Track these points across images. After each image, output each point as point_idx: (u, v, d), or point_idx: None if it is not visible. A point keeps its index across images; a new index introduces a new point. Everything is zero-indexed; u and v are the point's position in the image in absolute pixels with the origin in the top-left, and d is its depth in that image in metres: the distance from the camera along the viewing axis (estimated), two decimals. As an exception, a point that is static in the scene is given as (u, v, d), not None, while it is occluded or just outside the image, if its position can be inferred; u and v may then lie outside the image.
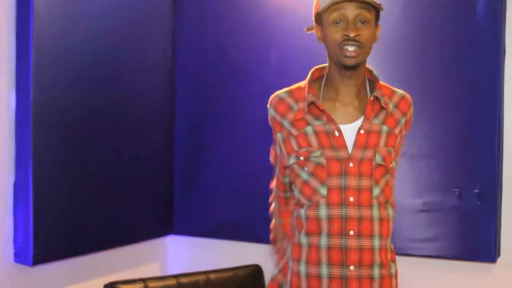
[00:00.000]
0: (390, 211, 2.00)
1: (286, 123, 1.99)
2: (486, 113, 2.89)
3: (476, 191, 2.89)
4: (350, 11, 1.85)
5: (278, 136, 2.03)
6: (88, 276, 3.19)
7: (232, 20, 3.43)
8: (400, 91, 2.05)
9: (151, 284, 3.00)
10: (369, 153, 1.91)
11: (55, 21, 2.87)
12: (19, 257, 2.83)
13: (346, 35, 1.85)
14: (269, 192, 2.32)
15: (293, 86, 2.05)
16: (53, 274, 3.00)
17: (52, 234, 2.88)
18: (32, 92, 2.76)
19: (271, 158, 2.14)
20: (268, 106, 2.07)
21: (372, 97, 1.94)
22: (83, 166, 3.03)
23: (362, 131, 1.92)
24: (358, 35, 1.85)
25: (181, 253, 3.71)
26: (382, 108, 1.95)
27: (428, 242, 2.99)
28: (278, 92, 2.05)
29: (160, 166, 3.55)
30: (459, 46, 2.95)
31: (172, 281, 3.06)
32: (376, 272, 1.94)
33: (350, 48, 1.86)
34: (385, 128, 1.95)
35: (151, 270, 3.58)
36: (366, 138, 1.92)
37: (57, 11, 2.87)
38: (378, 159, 1.91)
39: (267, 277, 3.19)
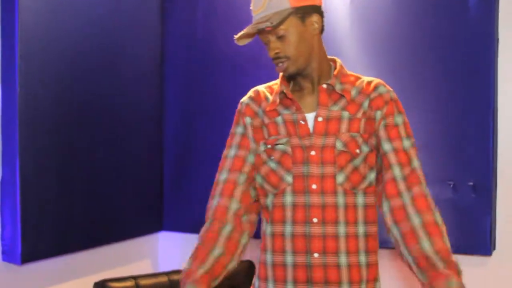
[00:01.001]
0: (360, 198, 1.96)
1: (260, 112, 2.04)
2: (480, 105, 2.88)
3: (471, 183, 2.88)
4: (262, 36, 1.94)
5: (247, 121, 2.07)
6: (78, 274, 3.17)
7: (223, 13, 3.41)
8: (368, 78, 2.05)
9: (142, 281, 2.97)
10: (330, 140, 1.93)
11: (41, 17, 2.84)
12: (7, 256, 2.81)
13: (271, 56, 1.95)
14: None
15: (269, 83, 2.12)
16: (42, 273, 2.97)
17: (41, 232, 2.85)
18: (18, 88, 2.73)
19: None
20: (243, 98, 2.11)
21: (325, 85, 1.98)
22: (71, 163, 3.01)
23: (320, 119, 1.94)
24: (276, 53, 1.92)
25: (172, 249, 3.69)
26: (341, 95, 1.97)
27: (423, 236, 2.97)
28: (257, 87, 2.13)
29: (150, 162, 3.54)
30: (452, 39, 2.94)
31: (164, 278, 3.03)
32: (343, 260, 1.92)
33: (279, 64, 1.95)
34: (346, 114, 1.95)
35: (142, 267, 3.57)
36: (325, 125, 1.94)
37: (43, 7, 2.85)
38: (338, 145, 1.92)
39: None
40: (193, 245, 3.57)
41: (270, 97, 2.04)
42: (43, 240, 2.87)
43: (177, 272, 3.09)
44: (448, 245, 1.93)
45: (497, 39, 2.90)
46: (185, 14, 3.52)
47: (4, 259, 2.82)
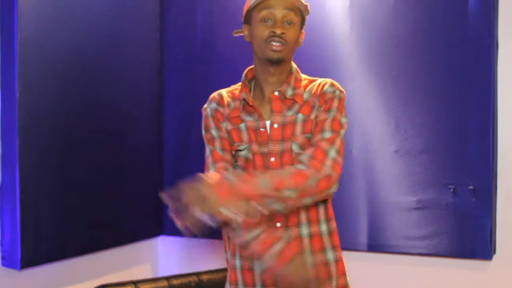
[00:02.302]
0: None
1: (225, 117, 2.08)
2: (480, 109, 2.88)
3: (471, 187, 2.88)
4: (278, 11, 1.97)
5: (223, 126, 2.08)
6: (77, 279, 3.16)
7: (222, 17, 3.41)
8: (321, 79, 2.08)
9: (142, 286, 2.97)
10: (287, 145, 1.99)
11: (40, 21, 2.83)
12: (6, 261, 2.80)
13: (273, 32, 1.96)
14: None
15: (230, 87, 2.16)
16: (41, 278, 2.96)
17: (40, 237, 2.84)
18: (17, 93, 2.73)
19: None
20: (207, 104, 2.14)
21: (277, 92, 2.02)
22: (70, 168, 3.00)
23: (275, 125, 2.00)
24: (283, 33, 1.96)
25: (172, 254, 3.69)
26: (294, 100, 2.02)
27: (423, 240, 2.97)
28: (218, 91, 2.16)
29: (150, 166, 3.53)
30: (452, 42, 2.94)
31: (164, 283, 3.03)
32: (309, 258, 1.96)
33: (276, 43, 1.97)
34: (300, 116, 2.01)
35: (142, 271, 3.56)
36: (281, 131, 1.99)
37: (42, 10, 2.84)
38: (294, 148, 1.98)
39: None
40: (192, 249, 3.58)
41: (232, 103, 2.07)
42: (43, 245, 2.86)
43: (177, 276, 3.09)
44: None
45: (497, 43, 2.90)
46: (185, 16, 3.52)
47: (3, 264, 2.81)
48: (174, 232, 3.59)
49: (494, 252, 2.91)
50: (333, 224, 2.06)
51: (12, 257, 2.77)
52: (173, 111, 3.57)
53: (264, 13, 1.97)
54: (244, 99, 2.04)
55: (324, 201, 2.03)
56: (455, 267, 2.98)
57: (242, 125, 2.03)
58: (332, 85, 2.03)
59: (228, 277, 2.12)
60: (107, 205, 3.22)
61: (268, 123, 2.01)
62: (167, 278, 3.07)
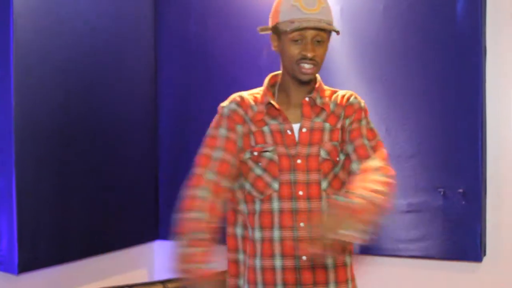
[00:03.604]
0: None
1: (247, 119, 2.09)
2: (469, 113, 2.91)
3: (461, 190, 2.91)
4: (309, 31, 1.97)
5: (239, 128, 2.09)
6: (74, 283, 3.17)
7: (216, 21, 3.44)
8: (342, 91, 2.14)
9: (138, 290, 2.99)
10: (314, 149, 2.03)
11: (36, 28, 2.86)
12: (4, 266, 2.82)
13: (304, 54, 1.97)
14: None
15: (251, 91, 2.17)
16: (39, 282, 2.98)
17: (37, 242, 2.86)
18: (13, 99, 2.75)
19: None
20: (227, 103, 2.13)
21: (308, 98, 2.06)
22: (67, 172, 3.02)
23: (304, 130, 2.04)
24: (314, 55, 1.97)
25: (168, 258, 3.69)
26: (322, 108, 2.07)
27: (414, 243, 3.00)
28: (239, 93, 2.17)
29: (145, 171, 3.55)
30: (441, 48, 2.97)
31: (159, 287, 3.04)
32: (330, 261, 2.01)
33: (307, 66, 1.98)
34: (327, 125, 2.05)
35: (138, 276, 3.57)
36: (309, 136, 2.04)
37: (37, 18, 2.87)
38: (323, 154, 2.02)
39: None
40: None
41: (255, 106, 2.09)
42: (40, 250, 2.88)
43: (172, 280, 3.10)
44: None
45: (485, 48, 2.93)
46: (179, 20, 3.53)
47: (0, 269, 2.82)
48: (170, 236, 3.63)
49: (484, 254, 2.94)
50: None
51: (10, 262, 2.79)
52: (168, 116, 3.59)
53: (295, 34, 1.97)
54: (269, 103, 2.06)
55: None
56: (445, 269, 3.01)
57: (266, 128, 2.06)
58: (355, 97, 2.10)
59: (246, 279, 2.09)
60: (104, 210, 3.24)
61: (295, 126, 2.05)
62: (163, 282, 3.08)
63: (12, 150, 2.75)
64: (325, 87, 2.13)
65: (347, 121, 2.06)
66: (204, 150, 2.12)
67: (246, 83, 3.27)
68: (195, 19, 3.49)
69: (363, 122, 2.08)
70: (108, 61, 3.26)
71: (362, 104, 2.10)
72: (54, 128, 2.96)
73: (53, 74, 2.95)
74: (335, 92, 2.13)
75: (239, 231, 2.12)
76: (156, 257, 3.70)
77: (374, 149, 2.04)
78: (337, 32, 1.99)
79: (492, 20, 2.94)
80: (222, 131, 2.08)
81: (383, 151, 2.06)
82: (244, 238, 2.11)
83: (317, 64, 1.99)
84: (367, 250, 3.08)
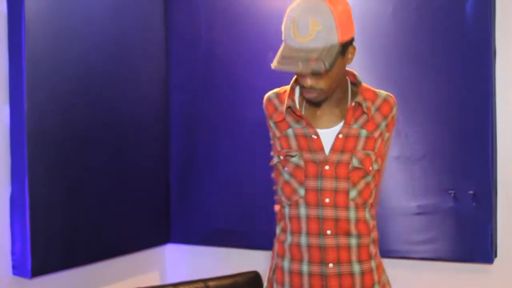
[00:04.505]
0: (368, 213, 2.04)
1: (272, 124, 2.07)
2: (479, 114, 2.91)
3: (471, 192, 2.91)
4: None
5: (271, 134, 2.10)
6: (87, 287, 3.19)
7: (225, 25, 3.45)
8: (384, 93, 2.06)
9: (149, 293, 3.00)
10: (346, 157, 1.96)
11: (47, 34, 2.88)
12: (17, 270, 2.84)
13: (302, 84, 1.91)
14: (266, 197, 2.32)
15: (282, 88, 2.10)
16: (52, 286, 3.00)
17: (50, 246, 2.88)
18: (26, 105, 2.77)
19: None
20: (263, 103, 2.13)
21: (354, 103, 1.98)
22: (79, 177, 3.04)
23: (340, 136, 1.97)
24: (312, 85, 1.88)
25: (180, 261, 3.71)
26: (363, 113, 1.99)
27: (425, 245, 3.00)
28: (269, 93, 2.12)
29: (157, 175, 3.56)
30: (450, 49, 2.97)
31: (171, 290, 3.06)
32: (356, 268, 2.00)
33: (309, 94, 1.92)
34: (364, 132, 1.98)
35: (150, 279, 3.58)
36: (343, 142, 1.97)
37: (48, 23, 2.89)
38: (355, 162, 1.96)
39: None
40: (200, 257, 3.61)
41: (280, 106, 2.04)
42: (53, 254, 2.90)
43: (184, 283, 3.12)
44: None
45: (494, 50, 2.93)
46: (188, 26, 3.54)
47: (14, 273, 2.84)
48: (181, 240, 3.65)
49: (495, 256, 2.94)
50: (376, 235, 2.13)
51: (23, 266, 2.81)
52: (179, 120, 3.60)
53: None
54: (289, 107, 2.00)
55: (372, 218, 2.08)
56: (456, 271, 3.01)
57: (290, 131, 2.01)
58: (395, 104, 2.04)
59: (275, 278, 2.11)
60: (116, 214, 3.26)
61: (322, 131, 1.97)
62: (174, 285, 3.09)
63: (25, 157, 2.77)
64: (364, 85, 2.04)
65: (387, 135, 2.02)
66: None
67: (256, 86, 3.31)
68: (204, 23, 3.50)
69: (387, 135, 2.04)
70: (119, 65, 3.28)
71: (396, 111, 2.05)
72: (66, 133, 2.97)
73: (64, 80, 2.96)
74: (376, 93, 2.04)
75: (277, 231, 2.12)
76: (168, 260, 3.72)
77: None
78: (325, 69, 1.77)
79: (502, 22, 2.94)
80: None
81: (378, 187, 2.04)
82: (277, 239, 2.10)
83: (321, 90, 1.89)
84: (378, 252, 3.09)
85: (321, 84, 1.88)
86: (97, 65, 3.15)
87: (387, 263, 3.14)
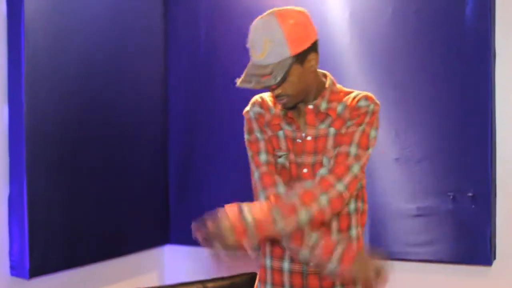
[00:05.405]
0: (352, 205, 2.05)
1: (266, 123, 2.08)
2: (478, 116, 2.91)
3: (470, 194, 2.91)
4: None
5: (266, 130, 2.10)
6: (85, 287, 3.18)
7: (224, 24, 3.45)
8: (357, 92, 2.06)
9: (148, 294, 3.00)
10: (319, 158, 2.01)
11: (46, 34, 2.89)
12: (15, 270, 2.84)
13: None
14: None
15: (256, 97, 2.15)
16: (50, 287, 3.00)
17: (48, 246, 2.89)
18: (24, 105, 2.78)
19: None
20: (250, 107, 2.13)
21: (311, 106, 2.02)
22: (77, 178, 3.05)
23: (308, 138, 2.02)
24: (278, 94, 1.95)
25: (179, 262, 3.71)
26: (327, 114, 2.02)
27: (424, 247, 3.00)
28: (260, 94, 2.15)
29: (156, 175, 3.56)
30: (450, 51, 2.97)
31: (169, 291, 3.06)
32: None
33: (279, 100, 1.98)
34: (332, 130, 2.01)
35: (148, 280, 3.58)
36: (314, 144, 2.01)
37: (48, 24, 2.90)
38: (325, 162, 1.99)
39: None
40: (199, 258, 3.61)
41: (273, 109, 2.07)
42: (51, 254, 2.91)
43: (182, 284, 3.11)
44: None
45: (494, 51, 2.93)
46: (188, 25, 3.55)
47: (12, 274, 2.85)
48: (181, 240, 3.65)
49: (494, 258, 2.94)
50: (361, 230, 2.10)
51: (21, 267, 2.82)
52: (178, 120, 3.60)
53: None
54: (283, 110, 2.05)
55: (356, 210, 2.06)
56: (455, 273, 3.00)
57: (281, 133, 2.05)
58: (366, 98, 2.01)
59: (258, 275, 2.17)
60: (114, 215, 3.26)
61: (304, 135, 2.03)
62: (173, 287, 3.09)
63: (23, 157, 2.78)
64: (339, 87, 2.07)
65: (349, 123, 1.99)
66: (249, 155, 2.12)
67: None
68: (204, 22, 3.51)
69: (362, 127, 1.99)
70: (118, 65, 3.28)
71: (371, 107, 2.00)
72: (65, 134, 2.98)
73: (63, 80, 2.97)
74: (348, 93, 2.05)
75: None
76: (167, 262, 3.72)
77: (356, 158, 1.96)
78: (275, 83, 1.88)
79: (502, 24, 2.94)
80: (258, 135, 2.09)
81: (355, 167, 1.95)
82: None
83: (288, 96, 1.95)
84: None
85: (288, 91, 1.93)
86: (96, 65, 3.15)
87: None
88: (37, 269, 2.84)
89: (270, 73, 1.88)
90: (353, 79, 3.11)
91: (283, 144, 2.04)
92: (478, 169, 2.90)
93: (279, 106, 2.05)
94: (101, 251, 3.21)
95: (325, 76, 2.08)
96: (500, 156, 2.95)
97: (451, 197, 2.94)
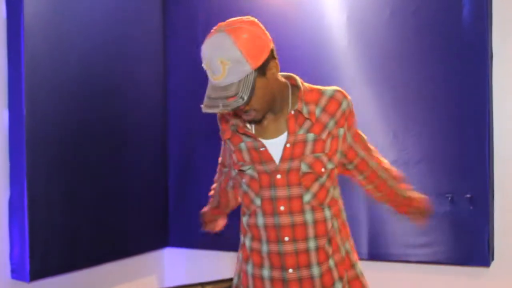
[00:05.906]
0: (327, 212, 2.05)
1: (226, 139, 2.10)
2: (476, 118, 2.92)
3: (468, 196, 2.92)
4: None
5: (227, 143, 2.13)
6: (85, 290, 3.20)
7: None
8: (330, 90, 2.04)
9: (148, 296, 3.00)
10: (295, 163, 1.98)
11: (46, 38, 2.90)
12: (16, 273, 2.85)
13: None
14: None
15: None
16: (50, 290, 3.00)
17: (48, 250, 2.90)
18: (25, 109, 2.79)
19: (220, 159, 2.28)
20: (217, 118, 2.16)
21: (293, 111, 2.00)
22: (77, 181, 3.05)
23: (288, 145, 1.98)
24: (246, 110, 1.92)
25: (178, 265, 3.71)
26: (307, 118, 2.00)
27: (422, 248, 3.01)
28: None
29: (155, 178, 3.57)
30: (447, 52, 2.99)
31: (169, 293, 3.06)
32: (316, 271, 2.01)
33: (247, 116, 1.95)
34: (311, 136, 2.00)
35: (148, 283, 3.59)
36: (291, 150, 1.99)
37: (47, 27, 2.90)
38: (304, 167, 1.98)
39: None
40: (198, 261, 3.61)
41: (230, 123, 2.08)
42: (51, 257, 2.92)
43: (182, 287, 3.12)
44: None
45: (491, 52, 2.95)
46: (187, 26, 3.56)
47: (13, 277, 2.86)
48: (180, 243, 3.65)
49: (492, 259, 2.95)
50: (333, 233, 2.09)
51: (21, 270, 2.83)
52: (178, 123, 3.61)
53: None
54: (234, 125, 2.04)
55: (332, 217, 2.07)
56: (453, 274, 3.02)
57: (243, 145, 2.03)
58: (344, 98, 2.02)
59: (240, 281, 2.15)
60: (114, 218, 3.27)
61: (271, 141, 1.99)
62: (173, 289, 3.11)
63: (24, 161, 2.79)
64: (308, 86, 2.03)
65: (341, 131, 2.01)
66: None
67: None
68: (203, 25, 3.51)
69: (353, 130, 2.06)
70: (117, 68, 3.29)
71: (349, 104, 2.03)
72: (65, 136, 2.99)
73: (63, 83, 2.98)
74: (320, 93, 2.02)
75: (241, 237, 2.15)
76: (166, 264, 3.72)
77: (365, 151, 2.12)
78: (243, 103, 1.83)
79: (499, 25, 2.96)
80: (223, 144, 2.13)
81: (371, 146, 2.16)
82: (241, 245, 2.14)
83: (257, 110, 1.92)
84: (376, 255, 3.10)
85: (255, 105, 1.90)
86: (96, 69, 3.16)
87: (384, 266, 3.17)
88: (37, 272, 2.85)
89: (236, 94, 1.83)
90: (350, 80, 3.13)
91: (246, 156, 2.03)
92: (476, 171, 2.92)
93: (230, 122, 2.05)
94: (101, 254, 3.21)
95: (289, 77, 2.06)
96: (497, 157, 2.97)
97: (449, 198, 2.95)
